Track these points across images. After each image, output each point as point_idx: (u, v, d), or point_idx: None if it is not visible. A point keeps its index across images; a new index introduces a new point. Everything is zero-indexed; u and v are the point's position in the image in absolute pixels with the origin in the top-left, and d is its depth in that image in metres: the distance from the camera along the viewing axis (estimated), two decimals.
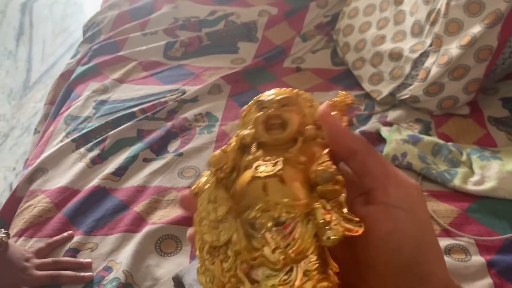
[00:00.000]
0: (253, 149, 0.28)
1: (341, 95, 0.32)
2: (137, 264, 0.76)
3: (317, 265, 0.25)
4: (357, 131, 1.02)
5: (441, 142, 0.97)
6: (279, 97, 0.30)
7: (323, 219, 0.25)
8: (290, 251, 0.24)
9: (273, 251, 0.25)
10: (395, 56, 1.14)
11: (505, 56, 1.03)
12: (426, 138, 0.97)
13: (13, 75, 2.18)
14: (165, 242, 0.81)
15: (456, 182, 0.89)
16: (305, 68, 1.28)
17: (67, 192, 0.89)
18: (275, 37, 1.36)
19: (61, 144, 1.01)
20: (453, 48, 1.01)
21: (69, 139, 1.02)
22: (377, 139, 1.01)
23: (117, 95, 1.17)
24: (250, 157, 0.28)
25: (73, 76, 1.24)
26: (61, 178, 0.93)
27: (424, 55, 1.09)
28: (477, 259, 0.76)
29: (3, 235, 0.71)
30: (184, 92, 1.17)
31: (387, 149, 0.95)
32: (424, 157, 0.93)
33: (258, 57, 1.31)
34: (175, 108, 1.12)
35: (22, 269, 0.71)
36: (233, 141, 0.30)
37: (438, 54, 1.04)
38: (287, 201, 0.25)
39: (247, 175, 0.27)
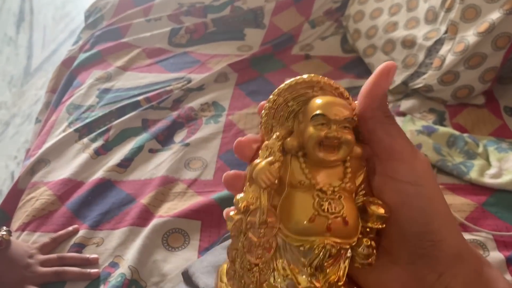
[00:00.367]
0: (303, 165, 0.28)
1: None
2: (143, 259, 0.73)
3: None
4: None
5: (457, 133, 0.93)
6: (343, 116, 0.27)
7: (366, 254, 0.28)
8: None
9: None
10: (408, 43, 1.10)
11: None
12: (441, 129, 0.94)
13: (13, 62, 2.15)
14: (172, 236, 0.78)
15: (473, 175, 0.86)
16: (314, 56, 1.25)
17: (70, 184, 0.86)
18: (283, 23, 1.32)
19: (63, 134, 0.98)
20: (469, 36, 0.97)
21: (71, 129, 0.99)
22: None
23: (121, 83, 1.14)
24: (303, 178, 0.28)
25: (75, 63, 1.21)
26: (64, 170, 0.90)
27: (439, 42, 1.05)
28: (496, 255, 0.73)
29: (4, 233, 0.68)
30: (189, 81, 1.13)
31: None
32: (439, 149, 0.90)
33: (265, 44, 1.27)
34: (180, 97, 1.09)
35: (25, 266, 0.68)
36: (273, 147, 0.28)
37: (453, 42, 1.00)
38: (344, 241, 0.27)
39: (305, 209, 0.27)
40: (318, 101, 0.28)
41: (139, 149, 0.94)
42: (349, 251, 0.28)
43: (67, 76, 1.18)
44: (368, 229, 0.28)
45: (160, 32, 1.29)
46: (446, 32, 1.03)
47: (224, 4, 1.38)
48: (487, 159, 0.89)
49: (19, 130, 1.80)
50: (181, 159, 0.92)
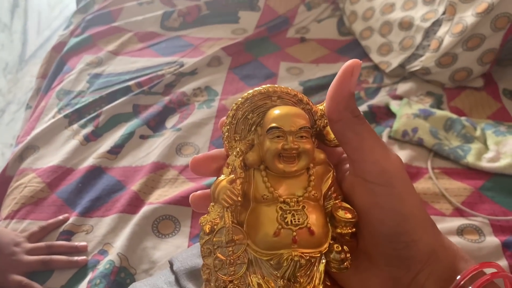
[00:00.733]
0: (265, 179, 0.28)
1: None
2: (132, 247, 0.72)
3: None
4: (365, 105, 0.97)
5: (454, 116, 0.91)
6: (298, 126, 0.27)
7: (339, 259, 0.28)
8: None
9: None
10: (405, 25, 1.08)
11: None
12: (438, 112, 0.92)
13: (8, 48, 2.12)
14: (162, 223, 0.77)
15: (470, 158, 0.84)
16: (310, 39, 1.22)
17: (60, 171, 0.85)
18: (278, 6, 1.29)
19: (53, 120, 0.96)
20: (468, 16, 0.95)
21: (61, 115, 0.97)
22: (386, 113, 0.96)
23: (112, 68, 1.11)
24: (266, 192, 0.28)
25: (65, 48, 1.18)
26: (53, 156, 0.88)
27: (437, 24, 1.02)
28: (492, 240, 0.72)
29: None
30: (182, 65, 1.11)
31: (397, 124, 0.90)
32: (436, 133, 0.88)
33: (260, 27, 1.25)
34: (172, 81, 1.06)
35: (10, 254, 0.67)
36: (234, 163, 0.28)
37: (451, 23, 0.98)
38: (313, 251, 0.27)
39: (270, 224, 0.27)
40: (273, 113, 0.28)
41: (130, 135, 0.92)
42: (323, 257, 0.28)
43: (57, 62, 1.15)
44: (341, 234, 0.28)
45: (152, 16, 1.26)
46: (444, 13, 1.00)
47: None
48: (484, 142, 0.88)
49: (15, 117, 1.78)
50: (172, 144, 0.90)
